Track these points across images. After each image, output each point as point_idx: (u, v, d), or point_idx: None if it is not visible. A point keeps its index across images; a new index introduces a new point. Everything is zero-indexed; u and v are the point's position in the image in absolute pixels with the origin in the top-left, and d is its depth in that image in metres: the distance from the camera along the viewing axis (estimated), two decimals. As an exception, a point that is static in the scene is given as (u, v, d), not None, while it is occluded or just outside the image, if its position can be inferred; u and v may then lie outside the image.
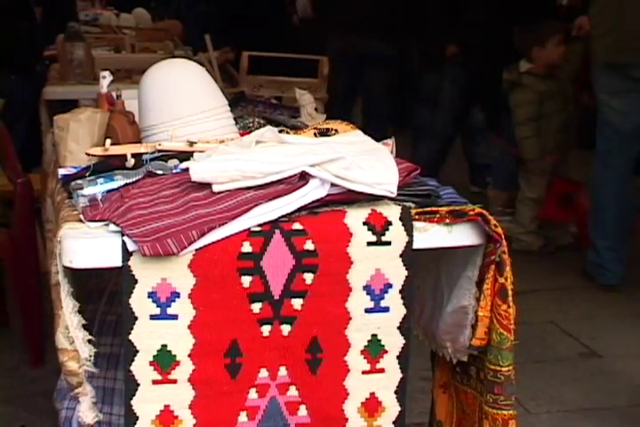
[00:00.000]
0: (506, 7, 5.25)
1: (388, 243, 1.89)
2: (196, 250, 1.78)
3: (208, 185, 1.89)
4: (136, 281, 1.78)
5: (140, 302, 1.79)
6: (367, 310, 1.92)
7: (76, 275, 1.87)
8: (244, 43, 5.41)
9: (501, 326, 1.95)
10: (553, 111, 4.92)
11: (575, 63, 4.96)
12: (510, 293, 1.95)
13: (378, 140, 2.22)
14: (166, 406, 1.85)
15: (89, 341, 1.84)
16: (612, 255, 4.41)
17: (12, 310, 3.71)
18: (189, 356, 1.83)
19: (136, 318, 1.80)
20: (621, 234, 4.42)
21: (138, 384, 1.83)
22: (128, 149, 2.18)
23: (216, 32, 5.27)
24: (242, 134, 2.32)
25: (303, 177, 1.88)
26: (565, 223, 5.15)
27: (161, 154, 2.18)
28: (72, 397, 1.91)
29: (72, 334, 1.81)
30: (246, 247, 1.81)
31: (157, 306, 1.80)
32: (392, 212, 1.90)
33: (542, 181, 5.01)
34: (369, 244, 1.88)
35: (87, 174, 2.11)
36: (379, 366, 1.95)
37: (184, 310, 1.81)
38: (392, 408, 1.98)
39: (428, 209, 1.94)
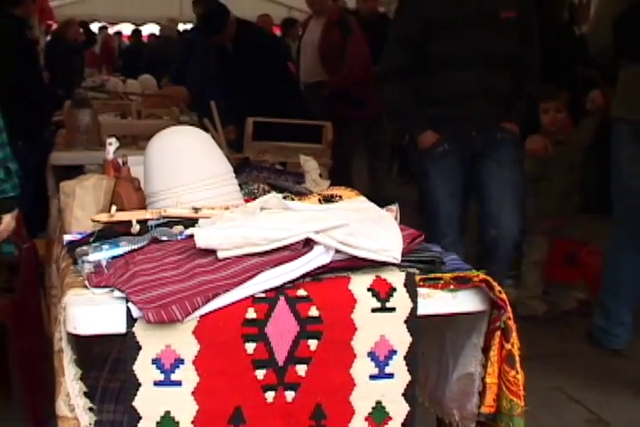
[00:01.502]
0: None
1: (393, 309, 1.89)
2: (201, 316, 1.79)
3: (213, 251, 1.90)
4: (140, 348, 1.78)
5: (143, 369, 1.79)
6: (372, 377, 1.91)
7: (79, 342, 1.87)
8: (250, 110, 5.45)
9: (511, 393, 1.94)
10: (556, 175, 4.95)
11: (586, 135, 4.98)
12: (518, 359, 1.94)
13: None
14: (170, 473, 1.84)
15: (90, 409, 1.83)
16: (621, 321, 4.39)
17: (15, 376, 3.68)
18: (193, 422, 1.82)
19: (140, 385, 1.80)
20: (634, 301, 4.41)
21: (141, 451, 1.81)
22: (133, 216, 2.19)
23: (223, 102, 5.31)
24: (247, 201, 2.34)
25: (307, 243, 1.89)
26: (571, 286, 5.13)
27: (166, 220, 2.19)
28: None
29: (73, 402, 1.81)
30: (251, 314, 1.81)
31: (161, 372, 1.80)
32: (396, 278, 1.91)
33: (545, 244, 5.02)
34: (373, 310, 1.88)
35: (92, 240, 2.12)
36: (383, 433, 1.94)
37: (188, 376, 1.81)
38: (397, 476, 1.96)
39: (432, 275, 1.95)
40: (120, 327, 1.78)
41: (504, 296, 1.93)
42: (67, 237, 2.23)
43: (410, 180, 6.74)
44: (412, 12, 4.06)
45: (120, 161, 2.63)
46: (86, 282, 1.91)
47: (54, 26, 12.61)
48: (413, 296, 1.90)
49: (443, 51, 3.99)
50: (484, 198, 4.08)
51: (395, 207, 2.31)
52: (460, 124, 4.02)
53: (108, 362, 2.35)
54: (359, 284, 1.88)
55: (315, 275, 1.88)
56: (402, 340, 1.91)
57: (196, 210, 2.20)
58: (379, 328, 1.89)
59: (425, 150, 4.05)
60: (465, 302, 1.95)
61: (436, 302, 1.93)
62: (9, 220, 2.82)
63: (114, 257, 2.03)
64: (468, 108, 4.00)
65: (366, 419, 1.92)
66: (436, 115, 4.03)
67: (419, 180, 4.36)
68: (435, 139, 4.04)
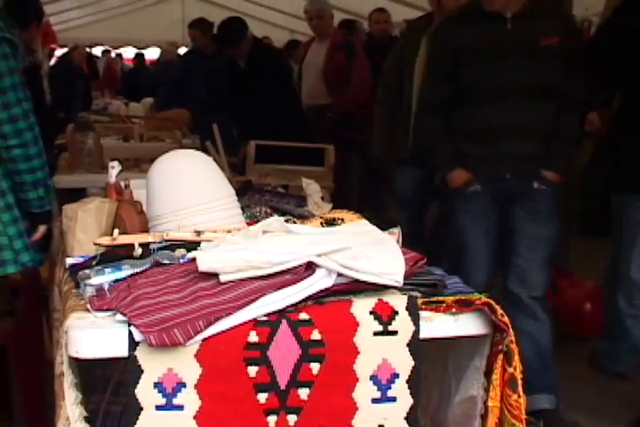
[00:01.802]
0: None
1: (395, 332, 1.89)
2: (203, 340, 1.78)
3: (215, 275, 1.90)
4: (142, 371, 1.78)
5: (145, 393, 1.79)
6: (374, 401, 1.90)
7: (81, 365, 1.86)
8: (254, 131, 5.47)
9: (513, 417, 1.93)
10: None
11: (584, 157, 4.98)
12: (520, 382, 1.94)
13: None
14: None
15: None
16: (626, 345, 4.38)
17: (16, 399, 3.67)
18: (195, 447, 1.81)
19: (142, 409, 1.79)
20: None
21: (143, 476, 1.81)
22: (136, 239, 2.19)
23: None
24: (249, 224, 2.34)
25: (310, 267, 1.89)
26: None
27: (168, 243, 2.19)
28: None
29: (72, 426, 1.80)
30: (253, 337, 1.81)
31: (163, 396, 1.79)
32: (398, 301, 1.90)
33: None
34: (375, 333, 1.88)
35: (94, 264, 2.12)
36: (386, 457, 1.93)
37: (190, 400, 1.80)
38: None
39: (435, 298, 1.95)
40: (122, 351, 1.78)
41: (506, 320, 1.93)
42: (69, 261, 2.23)
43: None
44: (445, 39, 3.83)
45: (122, 184, 2.64)
46: (88, 305, 1.91)
47: (58, 49, 12.69)
48: (415, 320, 1.90)
49: (477, 82, 3.71)
50: (513, 251, 3.79)
51: (397, 230, 2.31)
52: (493, 164, 3.71)
53: (110, 385, 2.34)
54: (361, 307, 1.88)
55: (317, 298, 1.88)
56: (404, 363, 1.91)
57: (199, 233, 2.20)
58: (381, 352, 1.89)
59: (456, 189, 3.80)
60: (467, 325, 1.95)
61: (438, 325, 1.93)
62: (44, 229, 3.09)
63: (116, 280, 2.03)
64: (503, 146, 3.69)
65: (368, 443, 1.91)
66: (470, 151, 3.76)
67: (448, 216, 4.07)
68: (466, 178, 3.76)
